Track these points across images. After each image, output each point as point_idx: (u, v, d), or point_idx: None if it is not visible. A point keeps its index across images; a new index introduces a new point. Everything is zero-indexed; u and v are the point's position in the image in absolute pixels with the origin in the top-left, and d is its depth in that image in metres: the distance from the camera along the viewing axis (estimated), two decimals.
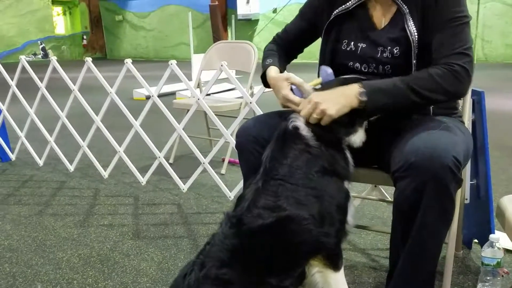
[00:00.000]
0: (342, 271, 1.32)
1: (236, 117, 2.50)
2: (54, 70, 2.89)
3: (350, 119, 1.33)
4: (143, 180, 2.72)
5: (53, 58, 2.92)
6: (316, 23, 1.61)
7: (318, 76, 1.51)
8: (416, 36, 1.38)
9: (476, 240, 1.97)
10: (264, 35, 14.45)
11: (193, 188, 2.71)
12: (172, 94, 6.38)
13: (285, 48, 1.69)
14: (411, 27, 1.39)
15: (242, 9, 14.48)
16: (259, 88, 2.35)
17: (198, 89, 3.34)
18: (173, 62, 2.46)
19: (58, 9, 18.89)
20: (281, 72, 1.55)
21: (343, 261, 1.32)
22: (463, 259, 1.88)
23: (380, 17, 1.48)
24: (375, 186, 2.23)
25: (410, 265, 1.30)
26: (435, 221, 1.23)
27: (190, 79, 6.43)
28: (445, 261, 1.56)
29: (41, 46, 17.95)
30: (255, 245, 1.22)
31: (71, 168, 3.03)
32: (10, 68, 3.15)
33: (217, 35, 13.99)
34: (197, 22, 15.51)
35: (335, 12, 1.52)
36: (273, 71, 1.55)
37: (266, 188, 1.25)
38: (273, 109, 1.62)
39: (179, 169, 3.04)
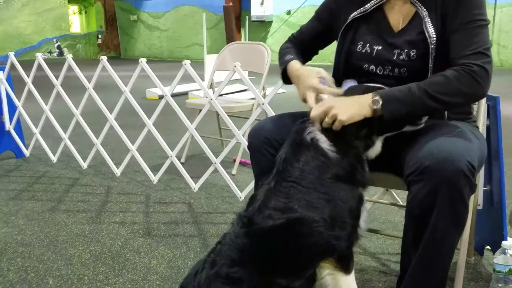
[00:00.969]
0: (353, 274, 1.31)
1: (248, 118, 2.51)
2: (69, 68, 2.92)
3: (368, 132, 1.32)
4: (154, 178, 2.74)
5: (69, 56, 2.95)
6: (332, 25, 1.60)
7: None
8: (435, 39, 1.37)
9: (488, 247, 1.94)
10: (278, 36, 14.46)
11: (204, 187, 2.73)
12: (185, 94, 6.42)
13: (300, 48, 1.68)
14: (430, 30, 1.38)
15: (256, 10, 14.51)
16: (271, 89, 2.36)
17: (211, 89, 3.36)
18: (186, 62, 2.47)
19: (74, 8, 19.12)
20: None
21: (354, 265, 1.32)
22: (474, 265, 1.86)
23: (398, 20, 1.47)
24: (387, 190, 2.22)
25: (421, 270, 1.29)
26: (448, 226, 1.22)
27: (203, 79, 6.45)
28: (456, 267, 1.54)
29: (56, 44, 18.18)
30: (265, 245, 1.22)
31: (85, 165, 3.07)
32: (26, 65, 3.19)
33: (231, 36, 14.02)
34: (211, 23, 15.57)
35: (352, 14, 1.51)
36: (298, 64, 1.55)
37: (278, 189, 1.25)
38: (285, 111, 1.62)
39: (191, 169, 3.05)
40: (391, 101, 1.27)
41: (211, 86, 3.39)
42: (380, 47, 1.47)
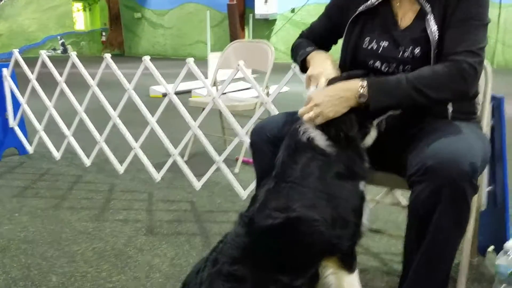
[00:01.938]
0: (356, 273, 1.32)
1: (251, 117, 2.50)
2: (74, 65, 2.93)
3: (362, 120, 1.32)
4: (157, 176, 2.74)
5: (73, 54, 2.96)
6: (342, 22, 1.58)
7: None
8: (437, 37, 1.36)
9: (491, 248, 1.94)
10: (282, 35, 14.43)
11: (206, 186, 2.73)
12: (188, 92, 6.42)
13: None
14: (433, 27, 1.36)
15: (260, 8, 14.47)
16: (275, 88, 2.35)
17: (215, 87, 3.35)
18: (190, 60, 2.47)
19: (78, 5, 19.14)
20: None
21: (357, 264, 1.32)
22: (477, 266, 1.86)
23: (404, 16, 1.46)
24: (390, 190, 2.21)
25: (424, 270, 1.29)
26: (450, 226, 1.22)
27: (206, 77, 6.45)
28: (459, 267, 1.54)
29: (60, 42, 18.20)
30: (265, 244, 1.23)
31: (88, 162, 3.07)
32: (30, 62, 3.20)
33: (235, 34, 14.01)
34: (215, 21, 15.54)
35: (360, 9, 1.50)
36: (323, 52, 1.55)
37: (278, 190, 1.26)
38: (288, 109, 1.62)
39: (194, 167, 3.05)
40: (379, 93, 1.28)
41: (215, 84, 3.39)
42: (387, 43, 1.46)
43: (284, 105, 2.30)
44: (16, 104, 3.39)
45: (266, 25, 14.95)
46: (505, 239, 1.69)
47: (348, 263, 1.29)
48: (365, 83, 1.28)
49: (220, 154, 2.53)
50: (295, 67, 2.14)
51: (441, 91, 1.28)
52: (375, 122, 1.38)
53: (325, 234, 1.21)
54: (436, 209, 1.20)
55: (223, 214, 2.40)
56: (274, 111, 2.26)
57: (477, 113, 1.54)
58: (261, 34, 14.62)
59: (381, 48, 1.47)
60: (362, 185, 1.32)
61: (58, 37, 18.15)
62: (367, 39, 1.50)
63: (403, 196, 2.23)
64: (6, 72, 3.32)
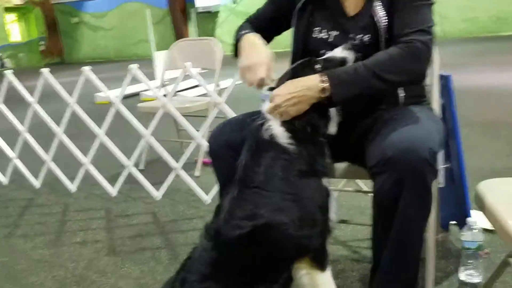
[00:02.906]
0: (329, 270, 1.31)
1: (206, 116, 2.43)
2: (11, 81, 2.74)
3: (323, 111, 1.31)
4: (113, 191, 2.62)
5: (8, 72, 2.77)
6: (288, 9, 1.52)
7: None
8: (385, 23, 1.35)
9: (453, 222, 1.98)
10: (226, 27, 14.30)
11: (167, 194, 2.64)
12: (137, 95, 6.23)
13: (258, 32, 1.59)
14: (380, 13, 1.36)
15: (202, 1, 14.26)
16: (228, 83, 2.29)
17: (163, 88, 3.25)
18: (134, 66, 2.36)
19: (11, 16, 18.16)
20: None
21: (328, 261, 1.31)
22: (442, 242, 1.90)
23: (351, 3, 1.44)
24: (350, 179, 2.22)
25: (394, 259, 1.29)
26: (416, 214, 1.23)
27: (153, 77, 6.28)
28: (426, 248, 1.55)
29: None
30: (235, 256, 1.20)
31: (38, 184, 2.91)
32: None
33: (179, 30, 13.76)
34: (157, 18, 15.18)
35: None
36: (256, 37, 1.44)
37: (242, 198, 1.22)
38: (242, 102, 1.57)
39: (151, 175, 2.95)
40: (340, 85, 1.25)
41: (163, 85, 3.28)
42: (337, 33, 1.45)
43: (238, 98, 2.24)
44: None
45: (209, 17, 14.78)
46: (466, 212, 1.72)
47: (320, 262, 1.28)
48: (325, 77, 1.25)
49: (178, 159, 2.45)
50: None
51: (399, 74, 1.27)
52: (335, 109, 1.36)
53: (295, 236, 1.19)
54: (400, 198, 1.19)
55: (188, 222, 2.33)
56: (229, 112, 2.20)
57: (427, 95, 1.55)
58: (206, 27, 14.45)
59: (331, 37, 1.45)
60: (325, 181, 1.30)
61: None
62: (317, 28, 1.48)
63: (363, 183, 2.25)
64: None
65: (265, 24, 1.60)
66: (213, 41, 3.12)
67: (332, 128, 1.36)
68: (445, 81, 1.69)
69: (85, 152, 2.66)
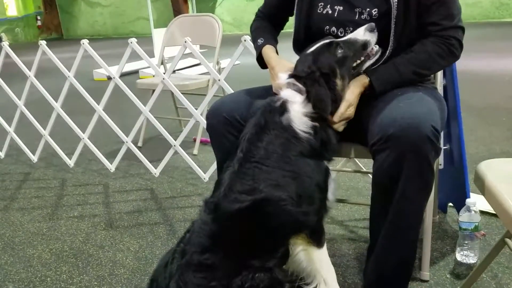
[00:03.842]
0: (325, 247, 1.32)
1: (205, 95, 2.42)
2: (8, 55, 2.70)
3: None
4: (112, 166, 2.61)
5: (5, 44, 2.73)
6: None
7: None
8: None
9: (451, 204, 1.99)
10: (226, 5, 14.11)
11: (165, 171, 2.64)
12: (135, 72, 6.18)
13: (270, 21, 1.64)
14: None
15: None
16: (227, 63, 2.27)
17: (162, 66, 3.22)
18: (133, 40, 2.32)
19: None
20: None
21: (325, 238, 1.31)
22: (439, 224, 1.91)
23: None
24: (350, 158, 2.21)
25: (392, 238, 1.29)
26: (416, 192, 1.22)
27: (152, 55, 6.22)
28: (423, 228, 1.56)
29: None
30: (234, 229, 1.21)
31: (35, 158, 2.89)
32: None
33: (177, 8, 13.57)
34: None
35: None
36: (272, 52, 1.52)
37: (242, 171, 1.22)
38: (242, 82, 1.55)
39: (149, 152, 2.95)
40: (385, 85, 1.34)
41: (162, 63, 3.25)
42: (342, 8, 1.42)
43: (238, 79, 2.22)
44: None
45: None
46: (465, 195, 1.73)
47: (316, 239, 1.29)
48: (370, 82, 1.34)
49: (176, 137, 2.43)
50: (245, 41, 2.06)
51: (435, 69, 1.41)
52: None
53: (292, 212, 1.20)
54: (401, 176, 1.18)
55: (186, 199, 2.33)
56: (228, 88, 2.18)
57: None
58: (205, 5, 14.24)
59: (336, 12, 1.42)
60: (326, 162, 1.30)
61: None
62: (321, 4, 1.45)
63: (362, 164, 2.25)
64: None
65: (274, 10, 1.63)
66: (213, 18, 3.08)
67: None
68: None
69: (83, 127, 2.64)
